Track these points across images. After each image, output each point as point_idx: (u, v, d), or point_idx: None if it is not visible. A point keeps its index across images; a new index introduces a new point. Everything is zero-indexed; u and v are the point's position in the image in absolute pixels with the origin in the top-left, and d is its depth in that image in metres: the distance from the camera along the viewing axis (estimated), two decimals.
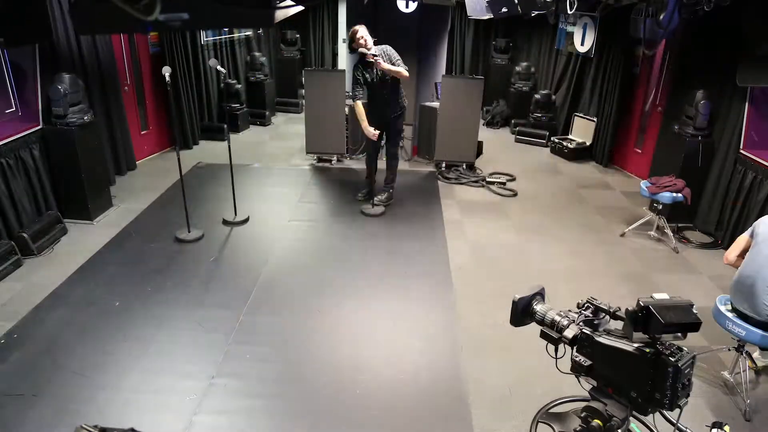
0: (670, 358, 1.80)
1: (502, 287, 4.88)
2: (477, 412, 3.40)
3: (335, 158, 7.96)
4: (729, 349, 3.76)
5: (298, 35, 11.08)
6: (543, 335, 2.23)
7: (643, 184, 5.91)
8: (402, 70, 5.86)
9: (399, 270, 5.05)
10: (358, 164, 7.85)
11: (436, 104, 7.87)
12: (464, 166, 7.77)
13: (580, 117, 8.89)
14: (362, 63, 5.91)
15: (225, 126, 8.69)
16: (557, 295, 4.65)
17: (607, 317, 2.13)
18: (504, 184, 7.29)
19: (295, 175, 7.50)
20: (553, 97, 9.59)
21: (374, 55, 5.72)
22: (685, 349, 1.85)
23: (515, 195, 7.02)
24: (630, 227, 6.02)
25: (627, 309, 1.94)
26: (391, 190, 6.56)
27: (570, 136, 9.02)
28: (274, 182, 7.27)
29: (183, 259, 5.13)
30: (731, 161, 5.77)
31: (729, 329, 3.53)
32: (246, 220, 5.91)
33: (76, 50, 6.11)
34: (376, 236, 5.67)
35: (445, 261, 5.28)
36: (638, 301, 1.86)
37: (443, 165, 7.78)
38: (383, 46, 5.96)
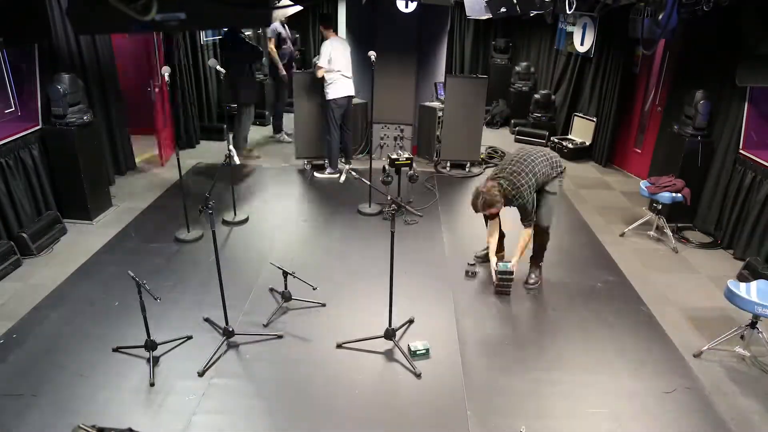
0: None
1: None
2: (474, 410, 3.40)
3: (326, 161, 7.87)
4: (742, 337, 3.96)
5: (297, 35, 11.06)
6: None
7: (643, 184, 5.91)
8: None
9: (398, 269, 5.04)
10: (356, 164, 7.84)
11: (436, 104, 7.89)
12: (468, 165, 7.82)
13: (580, 117, 8.89)
14: None
15: (224, 126, 8.68)
16: (553, 292, 4.68)
17: None
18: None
19: (294, 175, 7.50)
20: (553, 97, 9.58)
21: None
22: None
23: None
24: (629, 227, 6.03)
25: None
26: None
27: (569, 136, 9.02)
28: (274, 182, 7.26)
29: (182, 259, 5.13)
30: (731, 161, 5.77)
31: (743, 306, 3.80)
32: (245, 220, 5.92)
33: (76, 50, 6.10)
34: (375, 235, 5.66)
35: (443, 260, 5.28)
36: None
37: (448, 165, 7.82)
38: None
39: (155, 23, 1.78)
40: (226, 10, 2.20)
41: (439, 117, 7.87)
